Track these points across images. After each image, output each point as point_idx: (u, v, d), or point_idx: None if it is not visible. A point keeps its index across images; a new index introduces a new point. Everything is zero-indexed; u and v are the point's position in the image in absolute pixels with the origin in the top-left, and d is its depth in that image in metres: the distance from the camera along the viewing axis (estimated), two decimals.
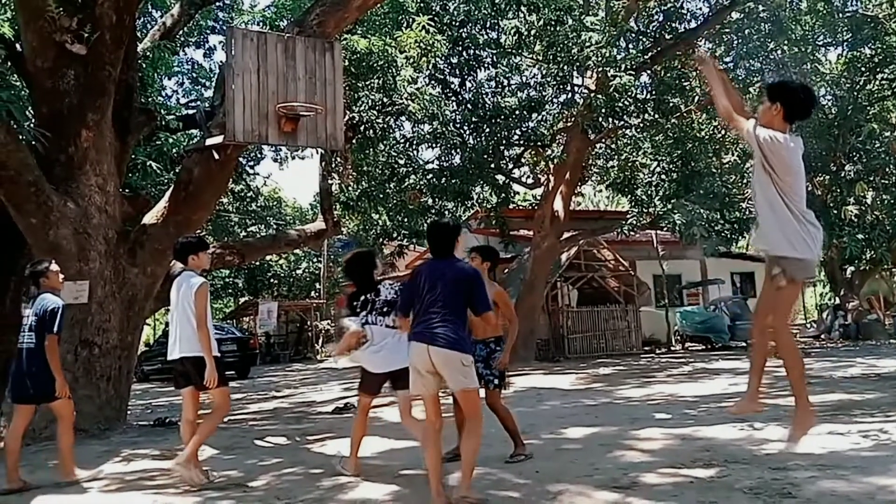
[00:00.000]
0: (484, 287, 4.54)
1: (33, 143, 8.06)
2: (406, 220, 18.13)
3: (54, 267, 5.89)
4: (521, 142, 17.39)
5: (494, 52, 15.89)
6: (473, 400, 4.43)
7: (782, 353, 3.97)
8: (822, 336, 21.24)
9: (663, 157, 17.02)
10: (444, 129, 15.12)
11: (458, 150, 16.41)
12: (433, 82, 16.02)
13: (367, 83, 12.29)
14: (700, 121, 17.18)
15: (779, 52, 15.85)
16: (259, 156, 18.74)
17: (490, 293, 4.84)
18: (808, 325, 25.69)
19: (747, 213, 16.13)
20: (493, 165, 17.24)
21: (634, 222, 17.10)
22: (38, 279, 5.78)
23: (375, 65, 11.94)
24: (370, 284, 5.38)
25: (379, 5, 11.48)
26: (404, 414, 5.08)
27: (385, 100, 12.56)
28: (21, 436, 5.58)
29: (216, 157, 8.39)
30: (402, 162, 17.30)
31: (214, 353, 5.18)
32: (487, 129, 16.14)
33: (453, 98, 16.70)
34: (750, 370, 4.31)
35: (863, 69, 17.25)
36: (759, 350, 4.19)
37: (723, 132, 18.02)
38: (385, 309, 5.24)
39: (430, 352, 4.24)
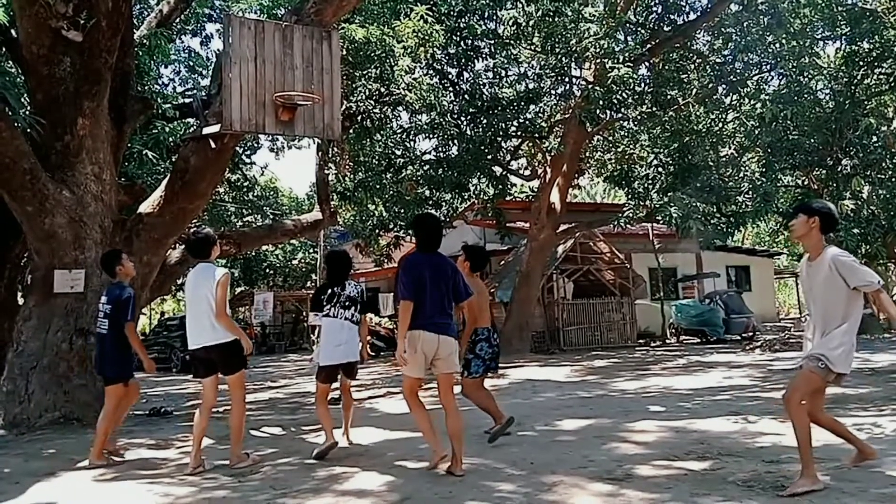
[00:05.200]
0: (462, 277, 5.16)
1: (28, 130, 8.01)
2: (402, 210, 18.09)
3: (126, 255, 6.30)
4: (519, 133, 17.36)
5: (492, 42, 15.83)
6: (452, 382, 5.10)
7: (792, 416, 4.23)
8: None
9: (660, 150, 17.00)
10: (441, 119, 15.06)
11: (456, 140, 16.37)
12: (431, 72, 15.95)
13: (365, 73, 12.23)
14: (697, 114, 17.16)
15: (777, 45, 15.82)
16: (256, 145, 18.67)
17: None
18: (804, 319, 25.76)
19: (743, 206, 16.14)
20: (490, 157, 17.22)
21: (631, 215, 17.10)
22: (113, 268, 6.09)
23: (373, 54, 11.88)
24: (340, 280, 6.02)
25: None
26: (320, 397, 5.90)
27: (382, 90, 12.50)
28: (111, 413, 5.88)
29: (213, 146, 8.35)
30: (398, 152, 17.27)
31: (226, 340, 5.32)
32: (485, 120, 16.10)
33: (451, 88, 16.64)
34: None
35: (861, 63, 17.22)
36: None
37: (720, 125, 18.03)
38: (347, 303, 5.94)
39: (440, 340, 4.83)
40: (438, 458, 4.93)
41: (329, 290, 6.00)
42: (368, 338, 6.60)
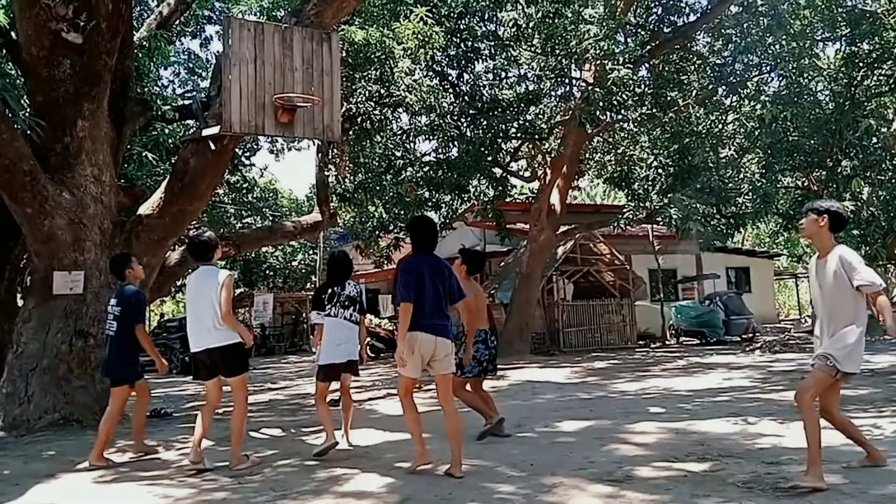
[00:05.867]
0: (456, 279, 5.20)
1: (28, 132, 8.01)
2: (402, 212, 18.08)
3: (134, 258, 6.42)
4: (519, 135, 17.34)
5: (492, 44, 15.83)
6: (450, 383, 5.12)
7: (803, 413, 4.28)
8: None
9: (660, 152, 17.00)
10: (441, 121, 15.07)
11: (456, 142, 16.37)
12: (430, 74, 15.95)
13: (365, 74, 12.23)
14: (697, 115, 17.16)
15: (777, 46, 15.83)
16: (255, 146, 18.65)
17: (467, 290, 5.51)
18: (804, 320, 25.77)
19: (743, 207, 16.14)
20: (490, 158, 17.21)
21: (631, 216, 17.10)
22: (122, 271, 6.16)
23: (373, 56, 11.88)
24: (340, 281, 6.14)
25: None
26: (320, 396, 5.95)
27: (382, 91, 12.50)
28: (114, 415, 5.93)
29: (212, 147, 8.35)
30: (398, 154, 17.25)
31: (228, 342, 5.34)
32: (485, 122, 16.09)
33: (451, 90, 16.64)
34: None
35: (861, 64, 17.23)
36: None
37: (720, 126, 18.04)
38: (346, 303, 6.06)
39: (437, 342, 4.89)
40: (420, 462, 4.95)
41: (329, 290, 6.11)
42: (368, 339, 6.65)
